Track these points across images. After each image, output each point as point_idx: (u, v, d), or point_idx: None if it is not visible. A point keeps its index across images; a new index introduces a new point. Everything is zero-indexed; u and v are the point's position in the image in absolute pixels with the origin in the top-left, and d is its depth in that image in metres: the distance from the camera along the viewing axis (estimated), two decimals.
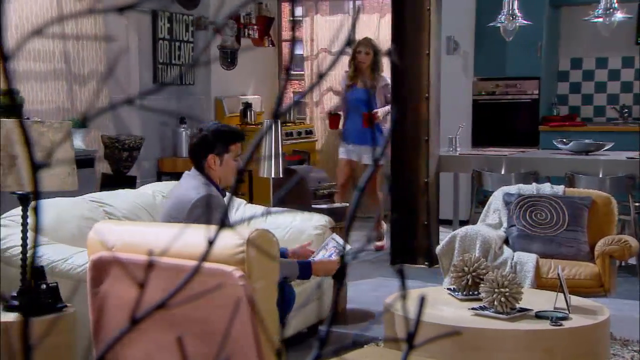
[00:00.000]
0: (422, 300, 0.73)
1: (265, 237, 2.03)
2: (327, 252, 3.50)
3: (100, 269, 2.18)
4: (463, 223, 5.94)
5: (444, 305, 3.51)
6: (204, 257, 0.70)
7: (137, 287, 2.15)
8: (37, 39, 5.34)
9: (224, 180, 3.31)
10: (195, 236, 2.01)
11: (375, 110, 6.31)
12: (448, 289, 3.72)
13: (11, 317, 3.14)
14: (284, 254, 3.45)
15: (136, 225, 2.55)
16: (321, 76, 0.73)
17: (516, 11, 6.36)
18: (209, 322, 2.02)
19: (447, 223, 6.60)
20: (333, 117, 6.52)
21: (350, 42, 0.73)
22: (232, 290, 1.97)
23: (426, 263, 5.97)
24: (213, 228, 0.75)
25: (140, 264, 2.04)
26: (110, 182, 5.42)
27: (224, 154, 3.29)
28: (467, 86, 8.05)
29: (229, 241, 1.98)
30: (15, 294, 3.20)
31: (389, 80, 6.17)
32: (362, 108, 6.33)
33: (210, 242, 0.70)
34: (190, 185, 3.21)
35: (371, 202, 6.43)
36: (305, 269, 3.32)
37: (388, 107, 6.27)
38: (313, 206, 4.73)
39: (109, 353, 2.29)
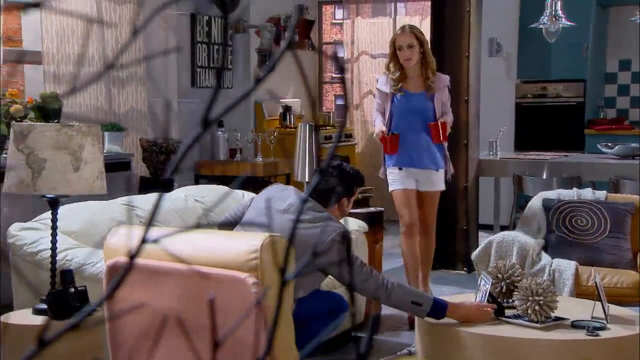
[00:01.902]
0: (375, 320, 0.69)
1: (279, 244, 1.99)
2: (480, 293, 3.32)
3: (116, 274, 2.17)
4: (504, 228, 5.82)
5: None
6: (135, 255, 0.66)
7: (152, 294, 2.13)
8: (76, 43, 5.41)
9: (340, 218, 3.34)
10: (210, 242, 1.98)
11: (442, 120, 4.59)
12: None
13: (40, 320, 3.16)
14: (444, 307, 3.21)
15: (153, 230, 2.54)
16: (258, 80, 0.69)
17: (559, 12, 6.22)
18: (223, 329, 1.99)
19: (488, 228, 6.48)
20: (391, 138, 4.53)
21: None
22: (245, 297, 1.94)
23: (465, 269, 5.87)
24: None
25: (154, 269, 2.02)
26: (148, 186, 5.45)
27: (352, 197, 3.40)
28: (510, 89, 7.90)
29: (243, 247, 1.95)
30: (45, 297, 3.22)
31: (448, 81, 4.72)
32: (418, 119, 4.58)
33: (144, 241, 0.67)
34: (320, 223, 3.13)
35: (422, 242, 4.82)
36: (440, 309, 3.16)
37: (450, 117, 4.67)
38: None
39: (125, 357, 2.25)
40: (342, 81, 1.00)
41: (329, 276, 3.43)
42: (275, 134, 6.26)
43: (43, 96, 4.98)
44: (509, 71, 7.92)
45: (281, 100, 7.49)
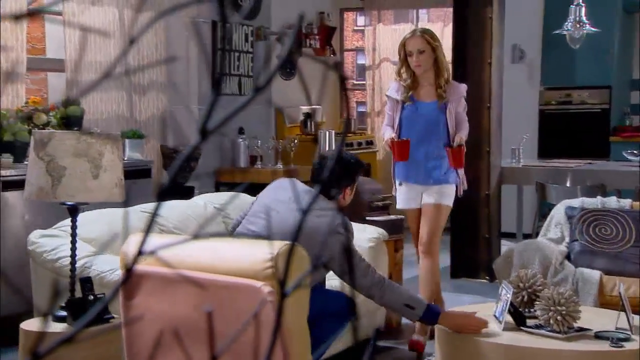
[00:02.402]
0: (375, 333, 0.67)
1: (295, 252, 1.97)
2: (500, 303, 3.28)
3: (132, 282, 2.16)
4: (527, 237, 5.76)
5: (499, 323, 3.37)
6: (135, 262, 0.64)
7: (168, 302, 2.12)
8: (98, 51, 5.43)
9: (346, 207, 3.38)
10: (226, 250, 1.96)
11: (460, 144, 4.16)
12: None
13: (59, 327, 3.17)
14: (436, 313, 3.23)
15: (169, 238, 2.53)
16: (258, 89, 0.67)
17: (584, 18, 6.15)
18: (239, 339, 1.96)
19: (511, 236, 6.42)
20: (400, 144, 4.13)
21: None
22: (260, 306, 1.91)
23: (487, 278, 5.81)
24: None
25: (169, 277, 2.01)
26: (169, 193, 5.45)
27: (354, 184, 3.38)
28: (533, 95, 7.83)
29: (258, 255, 1.93)
30: (64, 304, 3.22)
31: (465, 91, 4.30)
32: (426, 130, 4.21)
33: (140, 253, 0.65)
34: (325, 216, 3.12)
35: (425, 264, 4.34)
36: (432, 315, 3.17)
37: (465, 131, 4.26)
38: (367, 218, 4.63)
39: None
40: (344, 92, 0.98)
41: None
42: (296, 140, 6.25)
43: (65, 104, 5.00)
44: (532, 78, 7.85)
45: (302, 107, 7.48)
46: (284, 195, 3.23)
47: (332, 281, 3.62)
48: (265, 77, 0.65)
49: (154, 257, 2.39)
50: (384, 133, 4.30)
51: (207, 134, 0.64)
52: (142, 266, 2.13)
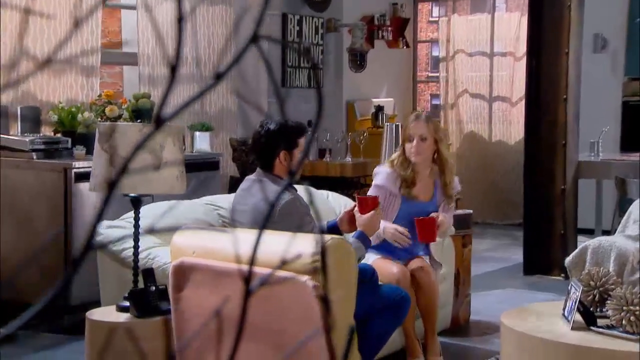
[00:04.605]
0: (351, 332, 0.63)
1: (342, 246, 1.92)
2: (569, 302, 3.16)
3: (181, 274, 2.15)
4: (606, 233, 5.55)
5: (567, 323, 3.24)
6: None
7: (216, 294, 2.10)
8: (170, 44, 5.50)
9: (286, 175, 3.26)
10: (272, 244, 1.93)
11: (438, 218, 3.61)
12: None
13: (122, 317, 3.21)
14: (334, 227, 3.29)
15: (218, 232, 2.52)
16: (219, 76, 0.62)
17: None
18: (285, 333, 1.93)
19: (589, 233, 6.19)
20: (366, 200, 3.34)
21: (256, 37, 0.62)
22: (305, 300, 1.88)
23: (562, 275, 5.62)
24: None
25: (217, 270, 1.99)
26: (238, 185, 5.48)
27: (293, 149, 3.24)
28: (616, 86, 7.53)
29: (304, 249, 1.89)
30: (127, 295, 3.26)
31: (459, 186, 3.88)
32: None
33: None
34: (270, 190, 3.14)
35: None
36: (363, 238, 3.16)
37: (450, 219, 3.81)
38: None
39: (193, 358, 2.23)
40: (317, 80, 0.91)
41: None
42: (365, 134, 6.18)
43: (136, 97, 5.09)
44: (615, 68, 7.54)
45: (373, 99, 7.40)
46: (248, 188, 3.41)
47: None
48: (232, 60, 0.61)
49: (203, 250, 2.40)
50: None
51: (161, 122, 0.60)
52: (192, 258, 2.12)
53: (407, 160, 3.67)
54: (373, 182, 3.75)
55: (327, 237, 1.96)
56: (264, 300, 1.94)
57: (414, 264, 3.68)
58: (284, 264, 0.71)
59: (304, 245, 1.93)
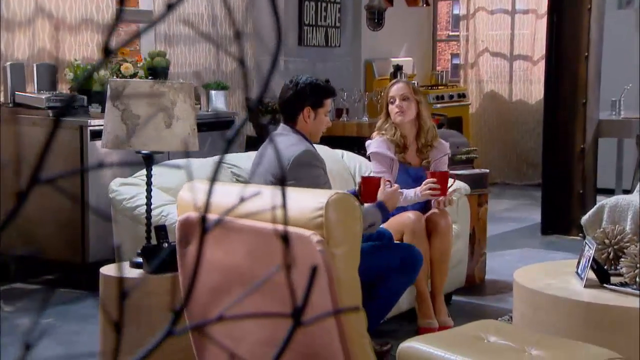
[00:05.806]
0: (313, 271, 0.65)
1: (346, 201, 1.91)
2: (583, 259, 3.18)
3: (187, 229, 2.16)
4: (626, 193, 5.49)
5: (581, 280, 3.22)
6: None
7: (223, 250, 2.11)
8: (186, 2, 5.46)
9: (314, 135, 3.26)
10: (277, 199, 1.92)
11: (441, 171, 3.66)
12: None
13: (136, 273, 3.24)
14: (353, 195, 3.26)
15: (226, 186, 2.51)
16: (170, 7, 0.60)
17: None
18: (285, 285, 1.94)
19: (609, 192, 6.13)
20: (368, 182, 3.30)
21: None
22: (310, 255, 1.87)
23: (580, 234, 5.57)
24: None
25: (225, 226, 1.99)
26: (255, 144, 5.48)
27: (318, 108, 3.22)
28: None
29: (309, 204, 1.88)
30: (140, 251, 3.29)
31: (448, 149, 3.83)
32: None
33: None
34: (289, 142, 3.13)
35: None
36: (382, 207, 3.15)
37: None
38: (450, 172, 4.50)
39: (200, 312, 2.25)
40: (242, 65, 0.89)
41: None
42: (383, 93, 6.12)
43: (151, 55, 5.07)
44: None
45: (392, 59, 7.32)
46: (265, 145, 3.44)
47: None
48: None
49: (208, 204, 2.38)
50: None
51: (109, 53, 0.58)
52: (196, 213, 2.12)
53: (393, 125, 3.70)
54: (368, 152, 3.74)
55: (331, 192, 1.95)
56: (269, 254, 1.94)
57: (430, 211, 3.69)
58: (242, 201, 0.70)
59: (308, 200, 1.92)
